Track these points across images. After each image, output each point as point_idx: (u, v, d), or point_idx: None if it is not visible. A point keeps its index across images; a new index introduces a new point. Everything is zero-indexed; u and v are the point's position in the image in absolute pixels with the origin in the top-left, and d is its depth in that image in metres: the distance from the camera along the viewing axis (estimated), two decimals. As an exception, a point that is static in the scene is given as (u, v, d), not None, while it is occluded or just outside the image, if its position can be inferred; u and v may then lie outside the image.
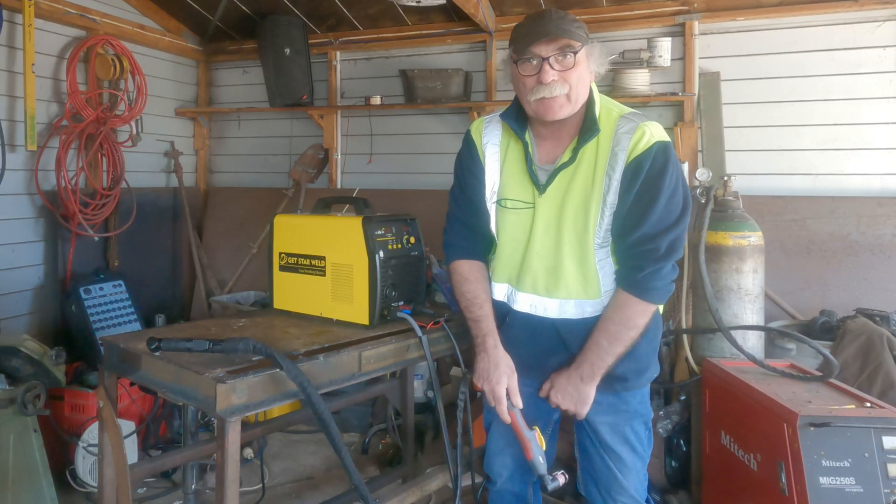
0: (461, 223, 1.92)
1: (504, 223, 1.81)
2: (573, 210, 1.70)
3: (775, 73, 3.59)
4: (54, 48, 3.88)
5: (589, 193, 1.69)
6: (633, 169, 1.63)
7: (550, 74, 1.63)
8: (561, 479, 1.78)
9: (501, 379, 1.76)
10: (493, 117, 1.88)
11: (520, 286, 1.81)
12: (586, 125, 1.70)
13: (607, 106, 1.74)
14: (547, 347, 1.82)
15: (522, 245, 1.78)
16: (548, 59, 1.63)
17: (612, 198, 1.67)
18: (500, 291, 1.87)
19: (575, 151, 1.69)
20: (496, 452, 1.98)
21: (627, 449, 1.83)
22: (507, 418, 1.77)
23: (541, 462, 1.77)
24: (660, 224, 1.65)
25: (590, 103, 1.71)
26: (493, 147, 1.83)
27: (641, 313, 1.70)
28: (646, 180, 1.63)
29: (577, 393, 1.75)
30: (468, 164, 1.88)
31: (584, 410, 1.76)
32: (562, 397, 1.77)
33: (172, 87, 4.82)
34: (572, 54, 1.64)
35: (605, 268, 1.73)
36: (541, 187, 1.74)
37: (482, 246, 1.91)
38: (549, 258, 1.75)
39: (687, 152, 3.64)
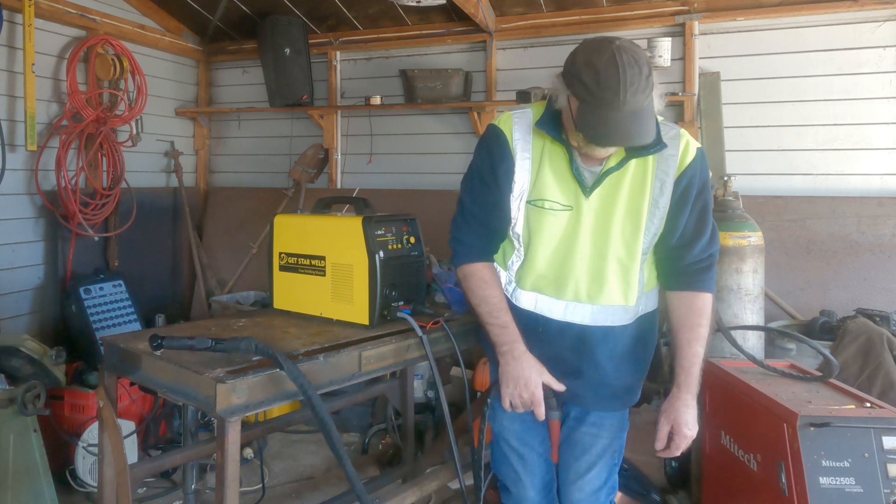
0: (480, 222, 1.78)
1: (540, 226, 1.71)
2: (623, 214, 1.68)
3: (776, 73, 3.59)
4: (54, 48, 3.88)
5: (640, 198, 1.67)
6: (689, 177, 1.67)
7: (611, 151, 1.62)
8: None
9: (538, 380, 1.69)
10: (523, 114, 1.75)
11: (559, 293, 1.73)
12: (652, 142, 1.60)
13: None
14: (581, 359, 1.75)
15: (564, 249, 1.71)
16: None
17: (665, 201, 1.67)
18: (528, 300, 1.77)
19: (625, 160, 1.65)
20: (515, 483, 1.91)
21: (610, 469, 1.84)
22: (541, 416, 1.71)
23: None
24: (712, 223, 1.74)
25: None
26: (526, 144, 1.72)
27: (712, 303, 1.76)
28: (699, 189, 1.69)
29: (688, 415, 1.70)
30: (499, 159, 1.72)
31: (693, 433, 1.71)
32: (692, 428, 1.69)
33: (172, 87, 4.82)
34: None
35: (640, 275, 1.73)
36: (587, 190, 1.67)
37: (496, 247, 1.83)
38: (593, 263, 1.70)
39: (687, 152, 3.64)
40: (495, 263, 1.82)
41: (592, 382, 1.76)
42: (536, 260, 1.73)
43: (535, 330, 1.75)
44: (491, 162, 1.74)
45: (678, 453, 1.71)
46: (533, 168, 1.71)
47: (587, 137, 1.53)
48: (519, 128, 1.73)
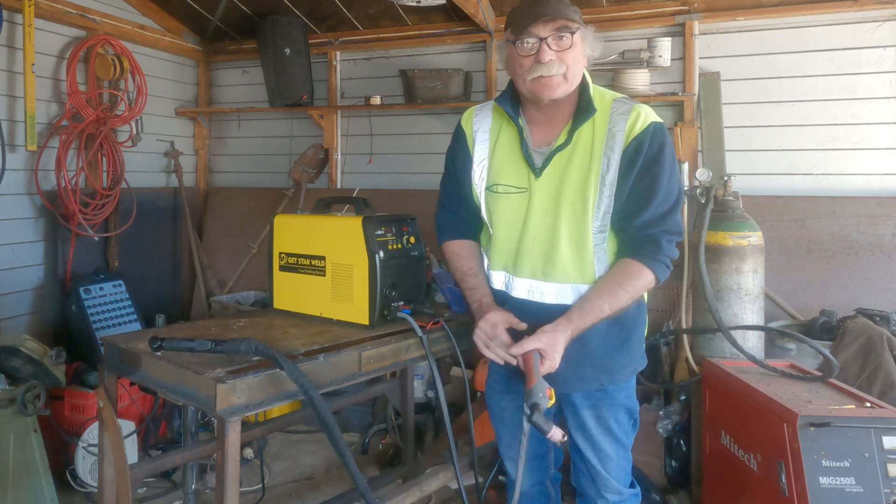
0: (450, 211, 1.98)
1: (497, 209, 1.81)
2: (571, 192, 1.71)
3: (775, 73, 3.59)
4: (54, 48, 3.88)
5: (586, 175, 1.70)
6: (634, 149, 1.67)
7: (548, 54, 1.66)
8: (558, 433, 1.64)
9: (498, 320, 1.73)
10: (485, 105, 1.91)
11: (517, 271, 1.80)
12: (582, 106, 1.72)
13: (600, 90, 1.79)
14: None
15: (518, 229, 1.78)
16: (545, 39, 1.65)
17: (612, 177, 1.69)
18: (498, 279, 1.86)
19: (570, 133, 1.72)
20: (507, 447, 1.99)
21: (611, 440, 1.84)
22: (510, 359, 1.69)
23: (541, 394, 1.63)
24: (666, 202, 1.69)
25: (583, 86, 1.76)
26: (484, 134, 1.86)
27: (646, 286, 1.71)
28: (646, 160, 1.68)
29: (560, 341, 1.66)
30: (458, 153, 1.91)
31: (557, 360, 1.65)
32: (546, 339, 1.64)
33: (172, 87, 4.82)
34: (569, 35, 1.67)
35: (599, 253, 1.73)
36: (537, 170, 1.74)
37: (472, 230, 1.95)
38: (545, 241, 1.75)
39: (687, 152, 3.64)
40: (482, 250, 1.94)
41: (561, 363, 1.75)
42: (498, 241, 1.83)
43: (503, 307, 1.82)
44: (453, 156, 1.94)
45: (519, 350, 1.66)
46: (489, 156, 1.84)
47: (513, 31, 1.69)
48: (479, 118, 1.88)
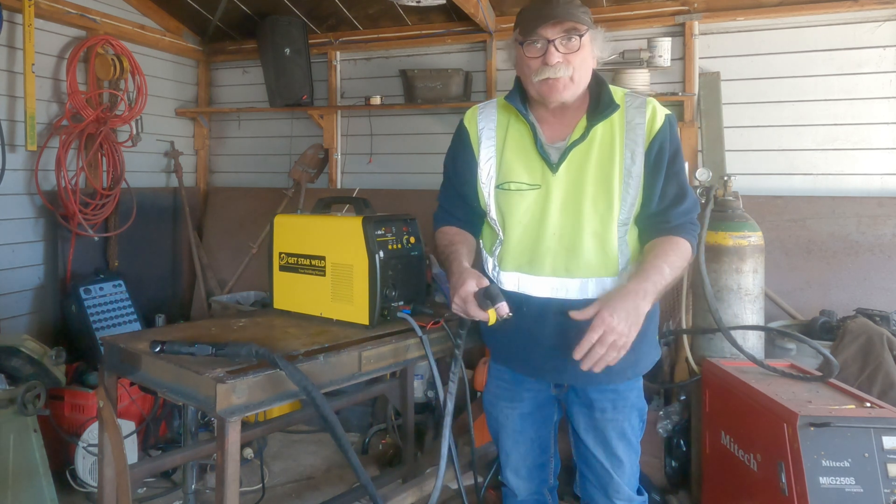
0: (447, 211, 1.96)
1: (509, 207, 1.77)
2: (593, 187, 1.70)
3: (775, 73, 3.59)
4: (54, 48, 3.88)
5: (610, 169, 1.70)
6: (660, 143, 1.70)
7: (555, 56, 1.65)
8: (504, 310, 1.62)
9: (468, 281, 1.67)
10: (489, 103, 1.89)
11: (537, 270, 1.75)
12: (603, 102, 1.72)
13: (612, 87, 1.80)
14: (566, 336, 1.71)
15: (535, 227, 1.75)
16: (553, 41, 1.65)
17: (638, 169, 1.70)
18: (511, 281, 1.80)
19: (588, 129, 1.71)
20: (507, 455, 1.97)
21: (624, 444, 1.83)
22: (483, 316, 1.64)
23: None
24: (689, 189, 1.76)
25: (600, 83, 1.77)
26: (490, 132, 1.83)
27: (690, 256, 1.74)
28: (671, 154, 1.72)
29: (635, 312, 1.54)
30: (460, 153, 1.88)
31: (633, 335, 1.55)
32: (617, 318, 1.51)
33: (172, 87, 4.82)
34: (577, 38, 1.66)
35: (622, 246, 1.73)
36: (553, 166, 1.72)
37: (467, 226, 1.93)
38: (567, 238, 1.72)
39: (687, 152, 3.64)
40: (484, 252, 1.91)
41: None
42: (512, 241, 1.79)
43: (520, 309, 1.76)
44: (453, 155, 1.91)
45: (593, 335, 1.52)
46: (497, 153, 1.80)
47: (522, 32, 1.68)
48: (483, 116, 1.85)
